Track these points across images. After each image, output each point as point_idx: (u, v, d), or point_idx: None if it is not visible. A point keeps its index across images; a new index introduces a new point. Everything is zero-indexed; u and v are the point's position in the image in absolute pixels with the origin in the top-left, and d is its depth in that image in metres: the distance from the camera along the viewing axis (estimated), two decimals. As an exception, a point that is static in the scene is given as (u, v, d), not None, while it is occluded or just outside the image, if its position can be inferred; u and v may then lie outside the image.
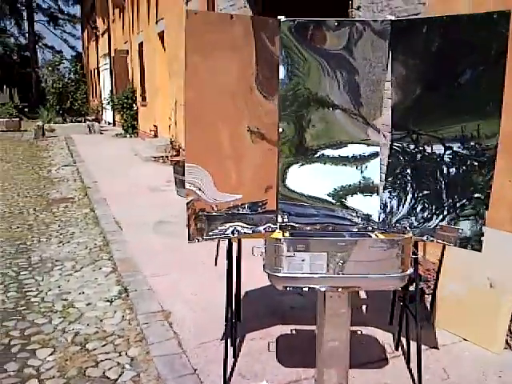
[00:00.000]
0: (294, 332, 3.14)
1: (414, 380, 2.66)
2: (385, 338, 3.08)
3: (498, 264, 2.96)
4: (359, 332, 3.14)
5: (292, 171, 2.65)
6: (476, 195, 2.23)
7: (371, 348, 2.98)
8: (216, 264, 2.70)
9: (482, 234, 2.22)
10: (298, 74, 2.47)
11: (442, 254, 3.34)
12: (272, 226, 2.54)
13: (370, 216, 2.58)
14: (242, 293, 3.53)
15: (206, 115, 2.33)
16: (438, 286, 3.30)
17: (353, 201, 2.61)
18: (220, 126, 2.40)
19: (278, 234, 2.48)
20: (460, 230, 2.33)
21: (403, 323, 2.89)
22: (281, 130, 2.53)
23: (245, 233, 2.50)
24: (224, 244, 2.66)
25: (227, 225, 2.46)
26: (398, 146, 2.52)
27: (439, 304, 3.26)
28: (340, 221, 2.59)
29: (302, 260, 2.11)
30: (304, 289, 2.18)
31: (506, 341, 2.95)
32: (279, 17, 2.39)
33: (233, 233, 2.45)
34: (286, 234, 2.45)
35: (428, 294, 3.54)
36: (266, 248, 2.19)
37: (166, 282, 3.92)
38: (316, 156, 2.66)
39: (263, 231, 2.52)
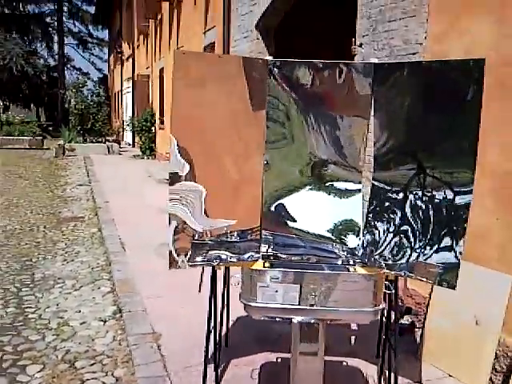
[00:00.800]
0: (279, 360, 3.17)
1: (392, 415, 2.67)
2: (369, 370, 3.09)
3: (484, 302, 2.96)
4: (344, 363, 3.16)
5: (280, 202, 2.73)
6: (452, 235, 2.26)
7: (353, 380, 3.00)
8: (200, 291, 2.76)
9: (458, 273, 2.25)
10: (283, 132, 2.57)
11: (432, 289, 3.35)
12: (255, 255, 2.61)
13: (355, 250, 2.64)
14: (234, 318, 3.59)
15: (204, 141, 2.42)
16: (427, 320, 3.31)
17: (340, 235, 2.67)
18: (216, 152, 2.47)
19: (259, 264, 2.56)
20: (438, 267, 2.37)
21: (385, 356, 2.90)
22: (265, 161, 2.61)
23: (229, 261, 2.57)
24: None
25: (212, 252, 2.54)
26: (379, 186, 2.58)
27: (427, 338, 3.27)
28: (325, 253, 2.65)
29: (276, 291, 2.17)
30: (277, 319, 2.23)
31: (491, 378, 2.94)
32: (267, 57, 2.50)
33: (217, 261, 2.52)
34: (267, 265, 2.52)
35: (418, 328, 3.54)
36: (243, 278, 2.26)
37: (161, 304, 4.00)
38: (306, 188, 2.74)
39: (248, 260, 2.59)
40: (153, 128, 15.63)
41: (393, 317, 2.60)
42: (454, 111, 2.20)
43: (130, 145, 20.23)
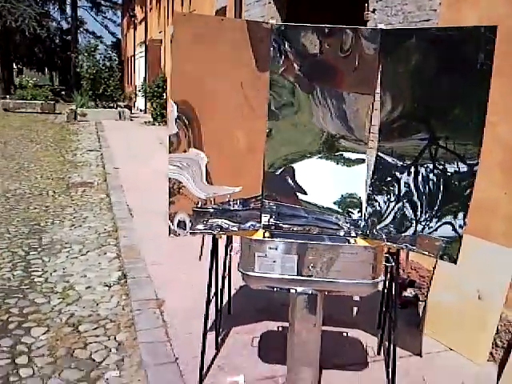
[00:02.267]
0: (280, 329, 3.19)
1: (390, 385, 2.69)
2: (369, 341, 3.10)
3: (488, 276, 2.93)
4: (345, 334, 3.17)
5: (285, 169, 2.67)
6: (455, 208, 2.22)
7: (354, 351, 3.01)
8: (200, 259, 2.76)
9: (460, 247, 2.21)
10: (289, 101, 2.50)
11: (436, 262, 3.32)
12: (256, 225, 2.59)
13: (358, 222, 2.60)
14: (237, 287, 3.61)
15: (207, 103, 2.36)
16: (430, 293, 3.29)
17: (343, 206, 2.63)
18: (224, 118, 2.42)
19: (259, 234, 2.54)
20: (441, 241, 2.33)
21: (385, 328, 2.90)
22: (268, 129, 2.56)
23: (230, 230, 2.56)
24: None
25: (213, 220, 2.52)
26: (383, 157, 2.52)
27: (429, 312, 3.25)
28: (328, 224, 2.61)
29: (274, 261, 2.15)
30: (275, 289, 2.22)
31: (491, 353, 2.93)
32: (271, 21, 2.41)
33: (218, 229, 2.50)
34: (267, 235, 2.50)
35: (422, 301, 3.53)
36: (241, 247, 2.24)
37: (165, 271, 4.02)
38: (309, 158, 2.68)
39: (248, 229, 2.57)
40: (164, 94, 15.50)
41: (393, 289, 2.57)
42: (463, 79, 2.12)
43: (141, 111, 20.13)
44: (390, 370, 2.58)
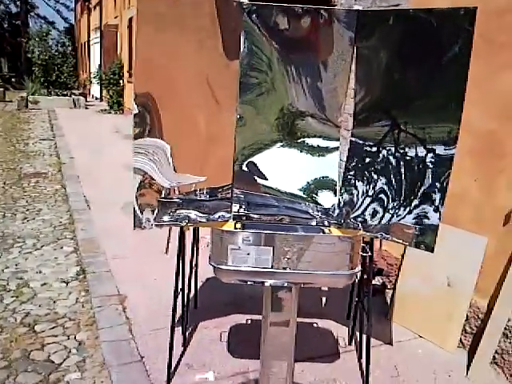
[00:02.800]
0: (248, 322, 3.09)
1: (362, 376, 2.64)
2: (340, 331, 3.05)
3: (457, 263, 2.92)
4: (315, 324, 3.11)
5: (252, 159, 2.56)
6: (432, 193, 2.16)
7: (324, 342, 2.95)
8: (167, 252, 2.62)
9: (436, 235, 2.17)
10: (261, 83, 2.37)
11: (405, 250, 3.30)
12: (226, 215, 2.47)
13: (329, 210, 2.52)
14: (203, 280, 3.49)
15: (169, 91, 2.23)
16: (398, 281, 3.27)
17: (314, 194, 2.54)
18: (187, 102, 2.28)
19: (229, 225, 2.42)
20: (415, 229, 2.29)
21: (357, 318, 2.85)
22: (238, 116, 2.43)
23: (199, 221, 2.42)
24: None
25: (180, 212, 2.38)
26: (357, 142, 2.45)
27: (398, 299, 3.23)
28: (299, 213, 2.52)
29: (247, 253, 2.04)
30: (249, 283, 2.12)
31: (461, 340, 2.93)
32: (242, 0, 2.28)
33: (185, 221, 2.37)
34: (238, 226, 2.39)
35: (389, 289, 3.51)
36: (212, 239, 2.12)
37: (127, 264, 3.85)
38: (280, 145, 2.57)
39: (218, 220, 2.45)
40: (121, 81, 15.04)
41: (367, 279, 2.52)
42: (441, 63, 2.06)
43: (97, 99, 19.51)
44: (364, 360, 2.53)
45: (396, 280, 3.32)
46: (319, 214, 2.52)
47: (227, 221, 2.47)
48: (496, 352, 2.67)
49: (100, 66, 17.86)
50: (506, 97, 2.70)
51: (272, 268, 2.04)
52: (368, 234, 2.33)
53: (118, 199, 5.46)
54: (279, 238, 2.03)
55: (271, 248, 2.02)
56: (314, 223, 2.48)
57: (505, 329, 2.64)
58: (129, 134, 9.95)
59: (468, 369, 2.73)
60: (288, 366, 2.28)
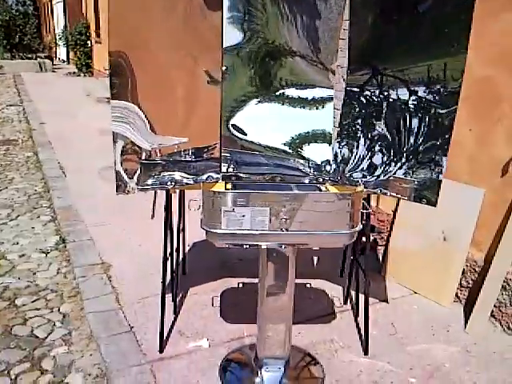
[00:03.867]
0: (240, 286, 2.99)
1: (360, 335, 2.58)
2: (334, 291, 2.98)
3: (453, 217, 2.84)
4: (308, 285, 3.03)
5: (240, 114, 2.38)
6: (434, 144, 2.05)
7: (319, 302, 2.87)
8: (153, 217, 2.47)
9: (439, 188, 2.07)
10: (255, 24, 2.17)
11: (397, 205, 3.22)
12: (214, 175, 2.31)
13: (322, 166, 2.38)
14: (190, 244, 3.36)
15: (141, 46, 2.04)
16: (391, 237, 3.20)
17: (306, 149, 2.38)
18: (162, 58, 2.09)
19: (219, 186, 2.27)
20: (415, 182, 2.19)
21: (352, 277, 2.77)
22: (224, 68, 2.24)
23: (185, 183, 2.27)
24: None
25: (165, 174, 2.22)
26: (353, 91, 2.29)
27: (391, 256, 3.17)
28: (291, 171, 2.37)
29: (242, 216, 1.90)
30: (245, 246, 1.99)
31: (456, 294, 2.89)
32: None
33: (171, 183, 2.21)
34: (229, 186, 2.24)
35: (381, 246, 3.44)
36: (203, 202, 1.97)
37: (108, 232, 3.68)
38: (268, 97, 2.39)
39: (206, 181, 2.29)
40: (88, 42, 14.41)
41: (364, 237, 2.42)
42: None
43: (64, 61, 18.73)
44: (363, 320, 2.46)
45: (388, 236, 3.25)
46: (312, 170, 2.38)
47: (217, 181, 2.32)
48: (493, 305, 2.64)
49: (65, 26, 17.07)
50: (502, 40, 2.56)
51: (270, 230, 1.91)
52: (366, 189, 2.23)
53: (94, 165, 5.24)
54: (275, 197, 1.90)
55: (268, 209, 1.89)
56: (306, 181, 2.35)
57: (503, 281, 2.59)
58: (101, 96, 9.59)
59: (465, 322, 2.69)
60: (286, 330, 2.20)
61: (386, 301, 2.91)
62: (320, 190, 2.23)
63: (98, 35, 13.57)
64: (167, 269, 2.45)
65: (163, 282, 2.41)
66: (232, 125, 2.35)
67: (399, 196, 2.24)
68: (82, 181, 4.81)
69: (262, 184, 2.30)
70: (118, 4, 1.93)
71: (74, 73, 14.70)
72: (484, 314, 2.58)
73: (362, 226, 2.00)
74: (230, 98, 2.30)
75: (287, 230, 1.91)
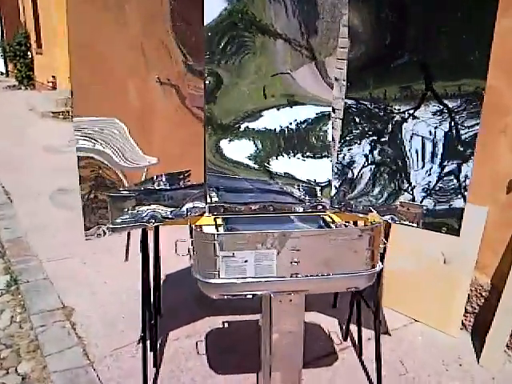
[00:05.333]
0: (226, 326, 2.66)
1: (368, 377, 2.31)
2: (330, 325, 2.69)
3: (454, 238, 2.62)
4: (301, 320, 2.72)
5: (225, 135, 2.06)
6: (456, 167, 1.81)
7: (316, 340, 2.57)
8: (127, 259, 2.11)
9: (462, 213, 1.84)
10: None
11: (390, 226, 2.97)
12: (199, 206, 1.98)
13: (316, 190, 2.09)
14: (162, 277, 2.99)
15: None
16: (385, 260, 2.94)
17: (294, 170, 2.09)
18: (119, 73, 1.76)
19: (207, 220, 1.94)
20: (424, 207, 1.95)
21: (354, 309, 2.50)
22: (207, 82, 1.92)
23: (164, 217, 1.92)
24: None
25: (140, 208, 1.88)
26: (354, 104, 2.03)
27: (386, 281, 2.92)
28: (280, 196, 2.08)
29: (245, 261, 1.58)
30: (248, 296, 1.66)
31: (462, 321, 2.67)
32: None
33: (150, 220, 1.87)
34: (219, 221, 1.91)
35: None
36: (194, 245, 1.63)
37: (67, 268, 3.25)
38: (254, 117, 2.07)
39: (187, 214, 1.96)
40: (29, 53, 13.60)
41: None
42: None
43: (2, 74, 17.68)
44: (368, 357, 2.19)
45: (382, 259, 3.00)
46: (303, 195, 2.10)
47: (202, 214, 2.00)
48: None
49: (2, 35, 16.10)
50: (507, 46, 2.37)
51: (278, 276, 1.60)
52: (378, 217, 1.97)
53: (44, 188, 4.76)
54: (283, 236, 1.58)
55: (274, 251, 1.58)
56: (301, 209, 2.05)
57: (516, 307, 2.39)
58: (45, 111, 8.96)
59: (476, 353, 2.47)
60: (295, 376, 1.89)
61: (387, 333, 2.65)
62: (324, 221, 1.95)
63: (39, 46, 12.82)
64: (146, 315, 2.10)
65: (143, 333, 2.06)
66: (216, 147, 2.03)
67: (410, 224, 2.00)
68: (31, 207, 4.32)
69: (258, 217, 1.99)
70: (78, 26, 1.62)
71: (15, 86, 13.84)
72: (499, 345, 2.37)
73: (382, 265, 1.72)
74: (215, 118, 1.98)
75: (299, 274, 1.61)
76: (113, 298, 2.87)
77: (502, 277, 2.44)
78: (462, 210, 1.85)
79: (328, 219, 1.95)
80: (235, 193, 2.06)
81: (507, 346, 2.44)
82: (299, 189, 2.08)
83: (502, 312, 2.36)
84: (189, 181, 1.99)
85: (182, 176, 1.99)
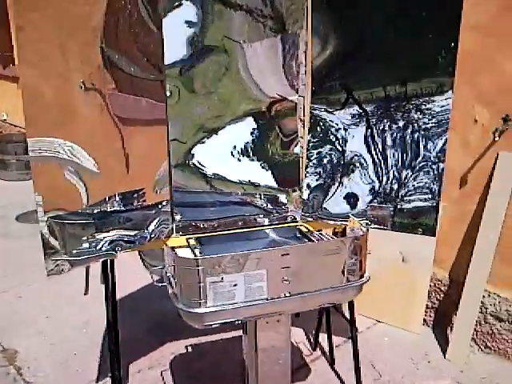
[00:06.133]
0: (189, 350, 2.50)
1: (344, 385, 2.27)
2: (296, 336, 2.62)
3: (410, 235, 2.66)
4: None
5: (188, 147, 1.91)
6: (429, 167, 1.81)
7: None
8: (87, 292, 1.90)
9: (437, 213, 1.84)
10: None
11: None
12: (162, 229, 1.82)
13: (279, 197, 2.01)
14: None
15: None
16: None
17: (253, 177, 1.99)
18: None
19: (177, 241, 1.79)
20: (391, 209, 1.94)
21: (323, 317, 2.45)
22: (168, 93, 1.77)
23: (127, 242, 1.75)
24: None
25: (101, 235, 1.70)
26: (319, 111, 1.97)
27: (345, 284, 2.91)
28: (245, 208, 1.98)
29: (234, 285, 1.46)
30: (237, 323, 1.54)
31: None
32: None
33: (115, 248, 1.69)
34: (192, 241, 1.77)
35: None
36: (174, 271, 1.49)
37: (7, 302, 2.91)
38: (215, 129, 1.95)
39: (150, 237, 1.80)
40: None
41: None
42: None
43: None
44: (355, 374, 2.15)
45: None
46: (266, 204, 2.01)
47: (169, 236, 1.84)
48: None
49: None
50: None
51: (268, 297, 1.50)
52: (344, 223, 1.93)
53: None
54: (273, 254, 1.49)
55: (264, 271, 1.47)
56: (266, 221, 1.96)
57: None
58: None
59: (441, 347, 2.52)
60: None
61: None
62: (300, 232, 1.87)
63: None
64: (114, 352, 1.91)
65: (112, 374, 1.86)
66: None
67: (381, 227, 1.98)
68: None
69: (229, 234, 1.86)
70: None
71: None
72: (464, 339, 2.42)
73: (369, 276, 1.68)
74: (177, 130, 1.84)
75: (289, 293, 1.51)
76: (59, 333, 2.60)
77: (460, 270, 2.51)
78: (436, 209, 1.83)
79: (304, 229, 1.87)
80: (200, 208, 1.93)
81: (474, 342, 2.51)
82: (258, 197, 2.00)
83: (464, 306, 2.42)
84: (144, 200, 1.83)
85: (136, 195, 1.83)
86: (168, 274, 1.56)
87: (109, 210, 1.75)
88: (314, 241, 1.75)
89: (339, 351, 2.49)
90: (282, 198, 1.98)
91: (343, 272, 1.57)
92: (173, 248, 1.64)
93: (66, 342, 2.53)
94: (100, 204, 1.72)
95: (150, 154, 1.78)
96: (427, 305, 2.70)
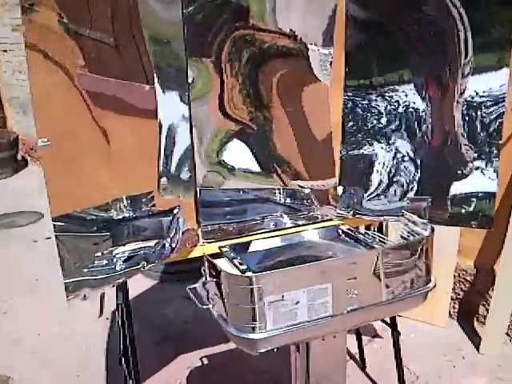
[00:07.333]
0: (204, 361, 2.28)
1: (380, 391, 2.10)
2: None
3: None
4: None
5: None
6: (485, 153, 1.62)
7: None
8: (101, 314, 1.64)
9: (494, 204, 1.65)
10: None
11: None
12: (179, 237, 1.55)
13: (308, 193, 1.79)
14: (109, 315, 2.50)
15: None
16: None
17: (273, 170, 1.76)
18: None
19: (208, 249, 1.54)
20: (429, 199, 1.75)
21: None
22: (190, 79, 1.51)
23: (146, 257, 1.50)
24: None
25: (118, 251, 1.45)
26: (351, 95, 1.76)
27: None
28: (266, 206, 1.75)
29: (296, 303, 1.24)
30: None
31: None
32: None
33: (143, 263, 1.44)
34: (226, 249, 1.53)
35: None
36: (225, 291, 1.25)
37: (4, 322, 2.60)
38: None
39: (174, 247, 1.55)
40: None
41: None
42: None
43: None
44: (398, 380, 1.98)
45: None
46: (288, 200, 1.78)
47: (195, 245, 1.60)
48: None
49: None
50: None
51: (333, 314, 1.28)
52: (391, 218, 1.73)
53: None
54: (339, 265, 1.27)
55: (329, 285, 1.26)
56: (283, 220, 1.73)
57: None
58: None
59: (472, 341, 2.39)
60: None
61: (377, 336, 2.46)
62: (339, 233, 1.65)
63: None
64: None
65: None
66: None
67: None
68: None
69: (265, 239, 1.63)
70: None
71: None
72: (498, 331, 2.29)
73: (435, 279, 1.49)
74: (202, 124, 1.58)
75: (357, 306, 1.31)
76: (57, 352, 2.32)
77: (487, 259, 2.38)
78: (493, 200, 1.65)
79: (344, 229, 1.66)
80: (227, 208, 1.69)
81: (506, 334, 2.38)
82: (278, 195, 1.78)
83: (497, 298, 2.28)
84: (153, 205, 1.57)
85: (145, 199, 1.57)
86: (212, 293, 1.32)
87: (115, 218, 1.49)
88: (362, 242, 1.54)
89: (368, 350, 2.32)
90: (312, 194, 1.76)
91: (412, 279, 1.37)
92: (210, 261, 1.39)
93: (66, 362, 2.25)
94: (104, 210, 1.46)
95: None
96: (451, 296, 2.56)
